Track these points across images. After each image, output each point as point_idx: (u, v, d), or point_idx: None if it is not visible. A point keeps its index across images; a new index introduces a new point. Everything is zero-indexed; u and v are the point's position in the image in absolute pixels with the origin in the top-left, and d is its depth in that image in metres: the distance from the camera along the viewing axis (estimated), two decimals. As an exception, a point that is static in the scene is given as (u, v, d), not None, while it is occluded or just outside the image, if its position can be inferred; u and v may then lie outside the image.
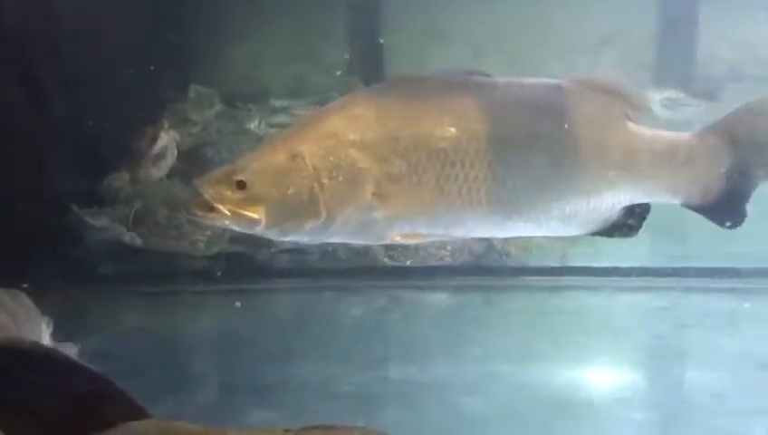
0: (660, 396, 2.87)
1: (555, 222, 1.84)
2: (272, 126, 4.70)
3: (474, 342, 3.12)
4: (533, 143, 1.80)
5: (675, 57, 4.61)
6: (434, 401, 2.78)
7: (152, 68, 4.14)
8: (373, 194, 1.76)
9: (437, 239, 1.86)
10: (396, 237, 1.81)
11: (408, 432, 2.65)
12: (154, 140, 3.91)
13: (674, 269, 3.46)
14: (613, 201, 1.86)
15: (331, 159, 1.74)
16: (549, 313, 3.39)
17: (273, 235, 1.78)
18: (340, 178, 1.74)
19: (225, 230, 3.52)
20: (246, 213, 1.73)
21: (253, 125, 4.55)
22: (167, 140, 3.95)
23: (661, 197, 1.88)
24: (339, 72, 4.67)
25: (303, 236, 1.78)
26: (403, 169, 1.76)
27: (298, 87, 4.96)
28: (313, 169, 1.73)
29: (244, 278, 3.51)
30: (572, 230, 1.87)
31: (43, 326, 2.31)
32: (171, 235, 3.46)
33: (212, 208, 1.73)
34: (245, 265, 3.60)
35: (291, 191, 1.73)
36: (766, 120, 1.91)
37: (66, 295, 3.42)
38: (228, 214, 1.73)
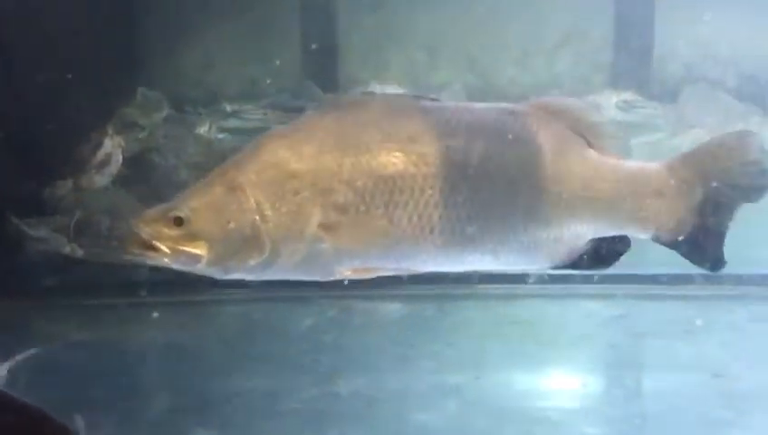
0: (616, 407, 2.81)
1: (514, 254, 1.76)
2: (223, 130, 4.61)
3: (427, 353, 3.05)
4: (487, 169, 1.73)
5: (631, 59, 4.59)
6: (385, 417, 2.70)
7: (98, 71, 4.04)
8: (319, 225, 1.68)
9: (391, 274, 1.76)
10: (346, 272, 1.73)
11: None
12: (98, 146, 3.81)
13: (629, 277, 3.41)
14: (577, 233, 1.78)
15: (273, 189, 1.67)
16: (504, 322, 3.32)
17: (215, 272, 1.70)
18: (284, 210, 1.67)
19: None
20: (187, 250, 1.67)
21: (203, 130, 4.45)
22: (111, 145, 3.84)
23: (627, 229, 1.80)
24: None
25: (248, 272, 1.70)
26: (349, 197, 1.68)
27: (250, 90, 4.88)
28: (254, 201, 1.66)
29: (190, 289, 3.40)
30: (534, 263, 1.79)
31: None
32: (113, 245, 3.35)
33: (151, 247, 1.67)
34: (192, 275, 3.48)
35: (232, 226, 1.66)
36: (741, 153, 1.81)
37: (5, 308, 3.31)
38: (168, 252, 1.67)
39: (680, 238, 1.80)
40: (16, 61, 3.65)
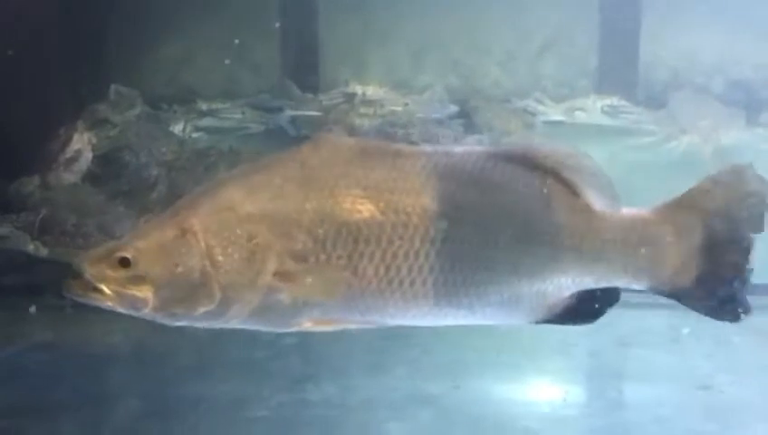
0: (598, 418, 2.72)
1: (492, 308, 1.63)
2: (198, 130, 4.52)
3: (400, 360, 2.94)
4: (463, 219, 1.60)
5: (617, 64, 4.53)
6: (356, 426, 2.61)
7: (68, 66, 3.94)
8: (275, 274, 1.56)
9: (355, 326, 1.63)
10: (306, 324, 1.60)
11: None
12: (67, 142, 3.71)
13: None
14: (561, 286, 1.65)
15: (226, 234, 1.55)
16: (480, 329, 3.22)
17: (163, 319, 1.58)
18: (236, 256, 1.55)
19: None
20: (131, 293, 1.55)
21: (177, 128, 4.36)
22: (81, 142, 3.74)
23: (618, 281, 1.66)
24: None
25: (197, 321, 1.58)
26: (308, 245, 1.56)
27: (228, 89, 4.78)
28: (205, 245, 1.54)
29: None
30: (514, 318, 1.66)
31: None
32: (79, 243, 3.23)
33: (94, 289, 1.56)
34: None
35: (180, 270, 1.54)
36: (738, 187, 1.68)
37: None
38: (111, 294, 1.55)
39: (684, 288, 1.66)
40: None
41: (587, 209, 1.64)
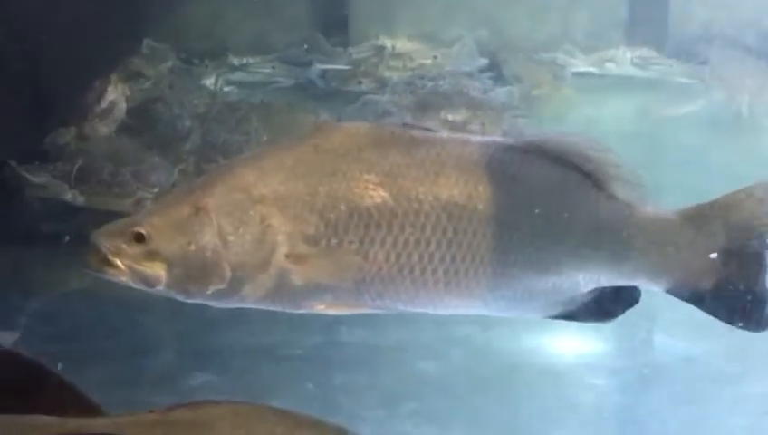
0: (625, 361, 2.75)
1: (505, 301, 1.60)
2: (230, 83, 4.56)
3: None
4: (477, 209, 1.57)
5: (648, 16, 4.50)
6: (388, 365, 2.66)
7: (103, 20, 3.98)
8: (287, 256, 1.55)
9: (368, 311, 1.62)
10: (318, 307, 1.60)
11: (360, 395, 2.54)
12: (102, 94, 3.75)
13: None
14: (578, 282, 1.61)
15: (239, 214, 1.55)
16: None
17: (177, 296, 1.59)
18: (248, 237, 1.55)
19: (173, 188, 3.37)
20: (145, 269, 1.55)
21: (209, 82, 4.40)
22: (115, 94, 3.78)
23: (637, 281, 1.61)
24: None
25: (210, 299, 1.58)
26: (320, 228, 1.55)
27: (258, 44, 4.81)
28: (217, 224, 1.54)
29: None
30: (528, 311, 1.63)
31: None
32: (115, 192, 3.29)
33: (109, 263, 1.55)
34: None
35: (192, 248, 1.54)
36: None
37: (4, 255, 3.26)
38: (125, 269, 1.55)
39: (701, 293, 1.61)
40: (20, 7, 3.58)
41: (608, 205, 1.59)
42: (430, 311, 1.62)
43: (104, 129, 3.68)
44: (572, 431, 2.47)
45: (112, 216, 3.37)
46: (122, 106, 3.75)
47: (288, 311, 1.62)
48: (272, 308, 1.62)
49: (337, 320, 2.93)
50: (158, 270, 1.54)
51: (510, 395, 2.58)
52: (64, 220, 3.39)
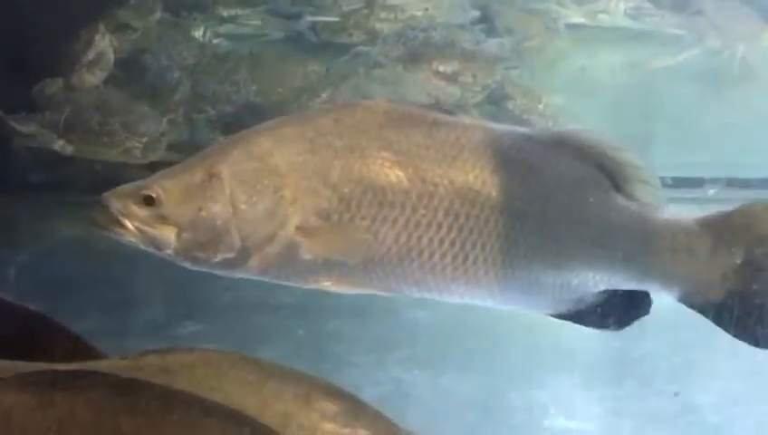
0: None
1: (512, 293, 1.60)
2: (218, 36, 4.50)
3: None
4: (491, 198, 1.55)
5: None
6: (379, 314, 2.66)
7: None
8: (298, 228, 1.54)
9: (373, 292, 1.61)
10: (324, 283, 1.59)
11: (351, 342, 2.54)
12: (89, 44, 3.70)
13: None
14: (588, 282, 1.59)
15: (252, 183, 1.54)
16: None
17: (184, 262, 1.58)
18: (260, 207, 1.53)
19: (162, 137, 3.34)
20: (154, 232, 1.54)
21: (197, 34, 4.34)
22: (102, 45, 3.73)
23: (648, 286, 1.61)
24: None
25: (217, 267, 1.57)
26: (333, 203, 1.54)
27: (248, -5, 4.75)
28: (230, 192, 1.53)
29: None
30: (535, 307, 1.63)
31: None
32: (104, 142, 3.26)
33: (119, 223, 1.55)
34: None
35: (203, 214, 1.53)
36: None
37: (-8, 205, 3.25)
38: (134, 231, 1.54)
39: (712, 304, 1.60)
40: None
41: (624, 205, 1.58)
42: (435, 297, 1.61)
43: (92, 79, 3.64)
44: (564, 376, 2.48)
45: (101, 164, 3.38)
46: (110, 57, 3.70)
47: (294, 285, 1.61)
48: (277, 281, 1.61)
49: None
50: (167, 234, 1.53)
51: (502, 342, 2.59)
52: (53, 170, 3.37)
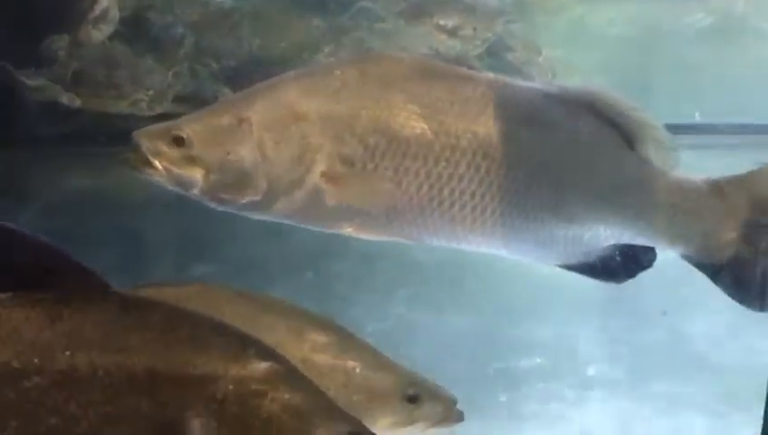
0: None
1: (527, 245, 1.65)
2: (225, -6, 4.53)
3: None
4: (511, 152, 1.60)
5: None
6: (384, 256, 2.72)
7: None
8: (322, 175, 1.59)
9: (394, 239, 1.66)
10: (346, 229, 1.64)
11: (357, 282, 2.60)
12: (94, 1, 3.73)
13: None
14: (599, 236, 1.65)
15: (280, 129, 1.58)
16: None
17: (210, 202, 1.63)
18: (286, 152, 1.58)
19: (168, 89, 3.39)
20: (182, 172, 1.58)
21: (201, -9, 4.37)
22: (107, 2, 3.77)
23: (656, 243, 1.66)
24: None
25: (242, 209, 1.62)
26: (358, 151, 1.58)
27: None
28: (258, 136, 1.58)
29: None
30: (547, 258, 1.68)
31: None
32: (111, 95, 3.32)
33: (148, 163, 1.59)
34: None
35: (231, 157, 1.58)
36: None
37: (3, 158, 3.30)
38: (163, 171, 1.59)
39: (717, 265, 1.64)
40: None
41: (639, 164, 1.63)
42: (453, 245, 1.66)
43: (98, 35, 3.68)
44: (562, 312, 2.55)
45: (109, 116, 3.43)
46: (115, 13, 3.74)
47: (315, 229, 1.67)
48: (300, 224, 1.66)
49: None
50: (195, 175, 1.58)
51: (503, 283, 2.65)
52: (61, 122, 3.42)
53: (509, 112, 1.61)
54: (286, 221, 1.66)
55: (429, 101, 1.60)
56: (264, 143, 1.58)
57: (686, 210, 1.62)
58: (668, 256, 1.65)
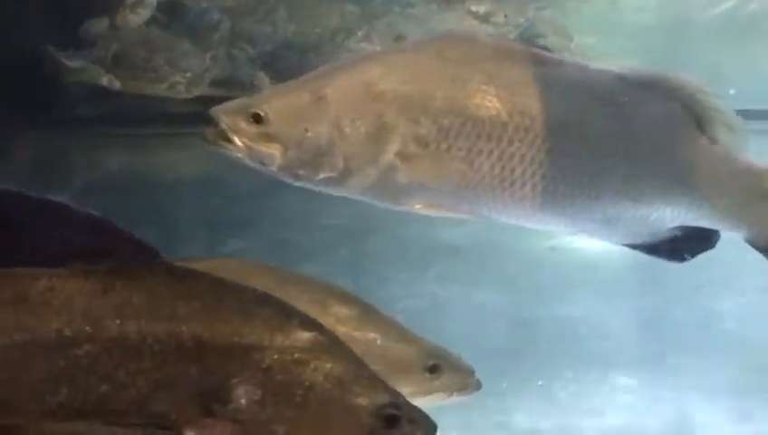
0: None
1: (593, 224, 1.68)
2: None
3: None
4: (583, 134, 1.64)
5: None
6: (416, 234, 2.77)
7: None
8: (396, 153, 1.62)
9: (462, 216, 1.70)
10: (416, 205, 1.68)
11: (390, 261, 2.64)
12: (132, -15, 3.79)
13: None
14: (665, 217, 1.68)
15: (357, 107, 1.61)
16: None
17: (286, 177, 1.67)
18: (363, 130, 1.61)
19: (205, 73, 3.45)
20: (261, 148, 1.62)
21: (236, -24, 4.41)
22: (145, -14, 3.83)
23: (721, 226, 1.69)
24: None
25: (318, 185, 1.66)
26: (432, 132, 1.61)
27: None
28: (336, 114, 1.61)
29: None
30: (611, 237, 1.71)
31: None
32: (150, 77, 3.38)
33: (227, 138, 1.63)
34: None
35: (309, 134, 1.61)
36: None
37: (44, 138, 3.37)
38: (242, 147, 1.62)
39: None
40: None
41: (707, 148, 1.66)
42: (522, 223, 1.70)
43: (135, 19, 3.74)
44: (592, 291, 2.58)
45: (147, 98, 3.49)
46: (152, -1, 3.80)
47: (386, 205, 1.71)
48: (371, 200, 1.70)
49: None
50: (273, 151, 1.61)
51: (534, 261, 2.68)
52: (101, 104, 3.48)
53: (582, 94, 1.64)
54: (359, 197, 1.70)
55: (505, 82, 1.62)
56: (341, 121, 1.61)
57: (751, 194, 1.66)
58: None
